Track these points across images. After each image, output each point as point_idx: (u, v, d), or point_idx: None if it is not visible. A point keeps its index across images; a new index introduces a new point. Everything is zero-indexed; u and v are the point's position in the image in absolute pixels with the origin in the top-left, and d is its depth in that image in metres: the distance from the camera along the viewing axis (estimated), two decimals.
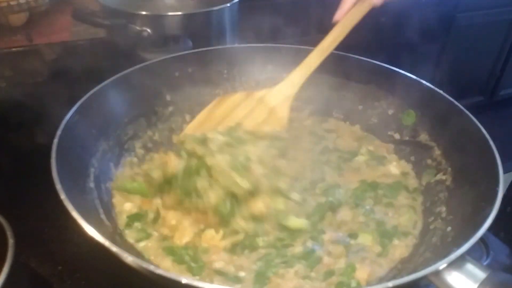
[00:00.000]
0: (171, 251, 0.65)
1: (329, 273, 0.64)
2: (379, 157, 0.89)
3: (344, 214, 0.74)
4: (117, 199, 0.74)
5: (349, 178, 0.83)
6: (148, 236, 0.68)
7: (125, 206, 0.73)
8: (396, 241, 0.70)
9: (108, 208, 0.69)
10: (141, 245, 0.67)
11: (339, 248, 0.68)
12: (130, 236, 0.68)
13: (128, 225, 0.69)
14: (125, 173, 0.79)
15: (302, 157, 0.85)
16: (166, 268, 0.63)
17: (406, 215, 0.75)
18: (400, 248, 0.69)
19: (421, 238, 0.70)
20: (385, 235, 0.70)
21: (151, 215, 0.72)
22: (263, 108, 0.85)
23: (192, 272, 0.63)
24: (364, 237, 0.70)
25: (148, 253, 0.66)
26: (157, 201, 0.74)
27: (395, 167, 0.87)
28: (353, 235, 0.70)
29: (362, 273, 0.63)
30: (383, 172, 0.86)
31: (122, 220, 0.70)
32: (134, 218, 0.71)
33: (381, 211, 0.76)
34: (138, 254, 0.65)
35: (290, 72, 0.95)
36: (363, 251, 0.68)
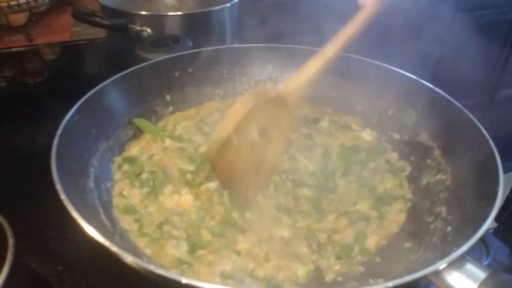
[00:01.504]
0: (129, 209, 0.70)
1: (344, 247, 0.66)
2: (344, 126, 0.92)
3: (340, 184, 0.77)
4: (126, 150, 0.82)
5: (325, 141, 0.87)
6: (128, 177, 0.75)
7: (130, 151, 0.81)
8: (387, 207, 0.73)
9: (108, 208, 0.69)
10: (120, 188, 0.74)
11: (344, 221, 0.70)
12: (115, 176, 0.76)
13: (119, 166, 0.77)
14: None
15: None
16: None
17: (391, 180, 0.79)
18: (393, 213, 0.73)
19: (413, 203, 0.75)
20: (380, 200, 0.74)
21: (144, 157, 0.79)
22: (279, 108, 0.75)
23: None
24: (362, 203, 0.74)
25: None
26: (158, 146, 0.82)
27: (368, 134, 0.90)
28: (353, 203, 0.74)
29: (371, 241, 0.67)
30: (354, 136, 0.89)
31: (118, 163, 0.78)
32: (126, 160, 0.79)
33: (369, 177, 0.79)
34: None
35: (290, 72, 0.95)
36: (363, 218, 0.71)
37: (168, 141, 0.83)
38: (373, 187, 0.77)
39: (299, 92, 0.75)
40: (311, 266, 0.63)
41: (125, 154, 0.81)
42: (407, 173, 0.81)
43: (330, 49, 0.76)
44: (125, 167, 0.77)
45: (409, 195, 0.77)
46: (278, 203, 0.73)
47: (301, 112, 0.95)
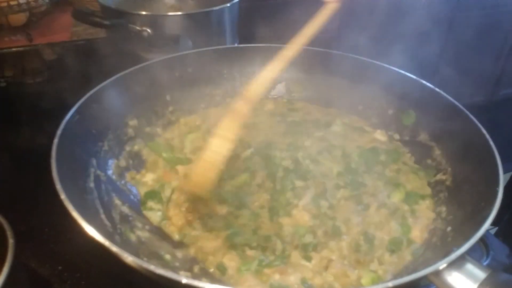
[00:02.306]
0: None
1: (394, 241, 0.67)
2: (356, 128, 0.91)
3: (367, 179, 0.78)
4: (142, 172, 0.80)
5: (342, 143, 0.86)
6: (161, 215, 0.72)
7: (147, 177, 0.78)
8: (416, 206, 0.74)
9: (108, 208, 0.68)
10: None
11: (385, 212, 0.72)
12: (147, 215, 0.72)
13: (143, 203, 0.73)
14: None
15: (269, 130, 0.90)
16: None
17: (415, 181, 0.79)
18: (424, 211, 0.73)
19: (435, 201, 0.75)
20: (409, 195, 0.75)
21: (167, 191, 0.75)
22: None
23: None
24: (395, 195, 0.75)
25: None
26: (176, 176, 0.78)
27: (380, 135, 0.90)
28: (387, 196, 0.75)
29: (415, 231, 0.69)
30: (370, 138, 0.89)
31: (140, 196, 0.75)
32: (148, 196, 0.74)
33: (392, 176, 0.80)
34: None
35: (289, 72, 0.95)
36: (399, 211, 0.72)
37: (181, 169, 0.80)
38: (399, 184, 0.78)
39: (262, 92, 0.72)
40: (380, 272, 0.63)
41: (144, 186, 0.77)
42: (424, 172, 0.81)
43: (294, 46, 0.76)
44: (151, 204, 0.73)
45: (430, 196, 0.76)
46: (319, 212, 0.72)
47: (311, 116, 0.95)
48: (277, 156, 0.81)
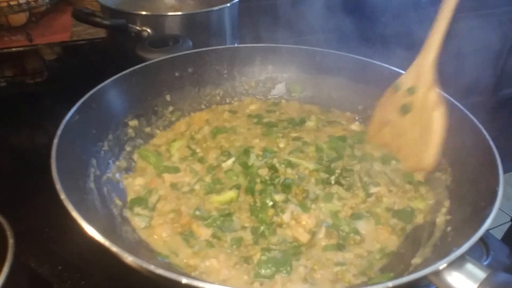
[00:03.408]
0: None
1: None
2: (331, 121, 0.93)
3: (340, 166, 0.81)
4: (132, 175, 0.79)
5: (314, 137, 0.88)
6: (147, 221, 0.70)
7: (136, 181, 0.77)
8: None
9: (109, 208, 0.68)
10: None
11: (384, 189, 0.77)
12: (132, 220, 0.70)
13: (130, 208, 0.72)
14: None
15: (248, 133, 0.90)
16: None
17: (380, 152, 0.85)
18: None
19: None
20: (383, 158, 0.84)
21: (154, 197, 0.74)
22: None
23: None
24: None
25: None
26: (162, 182, 0.77)
27: (356, 126, 0.93)
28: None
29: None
30: (343, 128, 0.92)
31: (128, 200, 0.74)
32: (135, 202, 0.73)
33: (360, 156, 0.84)
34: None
35: (289, 72, 0.94)
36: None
37: (168, 177, 0.78)
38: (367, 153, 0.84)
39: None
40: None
41: (130, 190, 0.75)
42: None
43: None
44: (137, 209, 0.71)
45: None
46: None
47: (286, 115, 0.96)
48: (254, 165, 0.79)
